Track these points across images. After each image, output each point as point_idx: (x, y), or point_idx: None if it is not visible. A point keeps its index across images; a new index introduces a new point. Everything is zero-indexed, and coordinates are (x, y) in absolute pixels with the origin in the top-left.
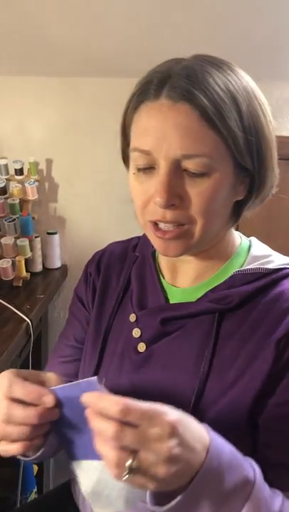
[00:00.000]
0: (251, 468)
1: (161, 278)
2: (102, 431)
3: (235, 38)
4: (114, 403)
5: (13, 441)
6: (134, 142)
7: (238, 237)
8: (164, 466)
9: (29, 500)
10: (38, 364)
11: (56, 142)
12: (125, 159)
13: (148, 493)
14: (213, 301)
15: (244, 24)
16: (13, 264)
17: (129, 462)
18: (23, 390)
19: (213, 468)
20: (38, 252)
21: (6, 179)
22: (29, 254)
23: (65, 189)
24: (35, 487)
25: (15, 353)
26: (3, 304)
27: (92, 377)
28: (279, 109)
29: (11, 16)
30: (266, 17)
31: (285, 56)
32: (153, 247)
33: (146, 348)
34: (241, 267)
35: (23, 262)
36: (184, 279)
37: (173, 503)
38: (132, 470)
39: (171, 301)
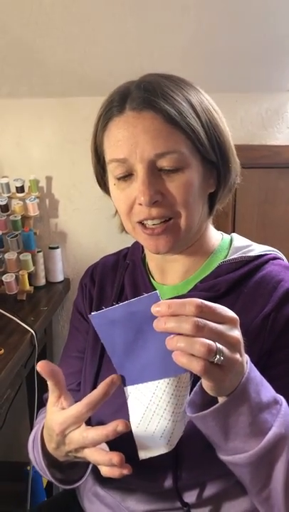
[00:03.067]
0: (278, 395)
1: (152, 279)
2: (181, 327)
3: (223, 54)
4: (188, 303)
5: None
6: (109, 155)
7: (219, 234)
8: (237, 353)
9: None
10: None
11: (55, 160)
12: (100, 183)
13: (187, 407)
14: (204, 291)
15: (231, 40)
16: (17, 278)
17: (215, 346)
18: (77, 412)
19: (252, 378)
20: (41, 267)
21: (8, 197)
22: (32, 269)
23: (65, 205)
24: (46, 499)
25: (20, 363)
26: (8, 317)
27: (154, 292)
28: (268, 119)
29: (8, 41)
30: (252, 33)
31: (272, 69)
32: (142, 251)
33: None
34: (225, 258)
35: (26, 276)
36: (173, 277)
37: (218, 405)
38: (219, 356)
39: (163, 299)
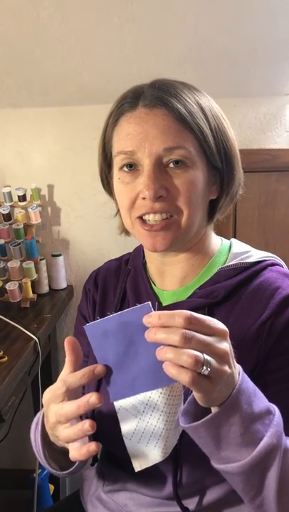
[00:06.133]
0: (271, 405)
1: (153, 285)
2: (170, 339)
3: (220, 59)
4: (177, 314)
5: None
6: (117, 148)
7: (218, 240)
8: (225, 365)
9: None
10: (48, 382)
11: (56, 168)
12: (104, 182)
13: (181, 417)
14: (202, 297)
15: (227, 45)
16: (20, 286)
17: (202, 357)
18: (74, 376)
19: (244, 389)
20: (44, 274)
21: (10, 206)
22: (35, 276)
23: (67, 212)
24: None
25: (24, 369)
26: (12, 324)
27: (146, 302)
28: (267, 123)
29: (8, 53)
30: (250, 38)
31: (269, 73)
32: (143, 257)
33: None
34: (224, 264)
35: (29, 283)
36: (173, 282)
37: (209, 416)
38: (206, 367)
39: (163, 304)
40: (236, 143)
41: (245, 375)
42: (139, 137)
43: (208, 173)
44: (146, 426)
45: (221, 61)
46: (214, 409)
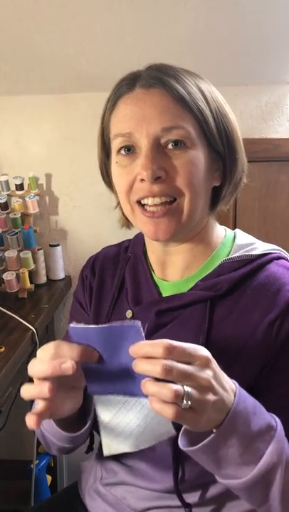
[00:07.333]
0: (273, 418)
1: (153, 274)
2: (152, 371)
3: (221, 46)
4: (157, 345)
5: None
6: (114, 131)
7: (222, 230)
8: (208, 394)
9: None
10: None
11: (54, 157)
12: (102, 171)
13: (181, 437)
14: (204, 290)
15: (229, 33)
16: (18, 276)
17: (182, 391)
18: (70, 348)
19: (240, 411)
20: (42, 264)
21: (7, 195)
22: (32, 266)
23: (65, 202)
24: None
25: (21, 360)
26: (9, 315)
27: (136, 322)
28: (269, 112)
29: (5, 38)
30: (251, 25)
31: (271, 61)
32: (144, 245)
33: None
34: (228, 256)
35: (26, 273)
36: (174, 272)
37: (205, 441)
38: (186, 401)
39: (164, 295)
40: (237, 126)
41: (243, 393)
42: (137, 118)
43: (210, 157)
44: (120, 422)
45: (222, 49)
46: (211, 433)
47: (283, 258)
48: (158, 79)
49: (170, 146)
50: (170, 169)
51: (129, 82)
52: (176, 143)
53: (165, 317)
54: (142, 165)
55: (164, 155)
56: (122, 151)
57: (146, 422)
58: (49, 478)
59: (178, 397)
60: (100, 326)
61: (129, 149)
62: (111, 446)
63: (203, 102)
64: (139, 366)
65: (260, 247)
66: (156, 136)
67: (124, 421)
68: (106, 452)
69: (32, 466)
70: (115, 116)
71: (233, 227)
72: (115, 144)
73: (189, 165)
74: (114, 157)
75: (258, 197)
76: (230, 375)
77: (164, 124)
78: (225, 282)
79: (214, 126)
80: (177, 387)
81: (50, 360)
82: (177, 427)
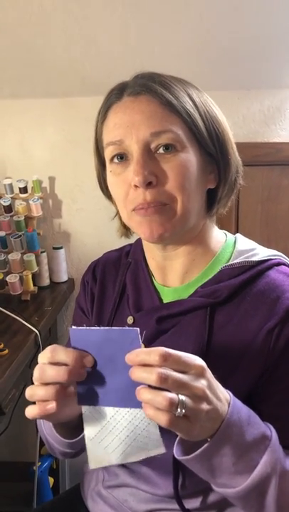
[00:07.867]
0: (268, 428)
1: (154, 280)
2: (148, 379)
3: (224, 50)
4: (153, 352)
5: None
6: (106, 139)
7: (222, 235)
8: (202, 403)
9: None
10: None
11: (58, 160)
12: (101, 184)
13: (176, 446)
14: (204, 296)
15: (232, 38)
16: (21, 279)
17: (176, 399)
18: (66, 352)
19: (234, 420)
20: (45, 267)
21: (11, 198)
22: (36, 269)
23: (69, 205)
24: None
25: (24, 362)
26: (12, 317)
27: (135, 328)
28: (271, 116)
29: (10, 42)
30: (253, 29)
31: (273, 65)
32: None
33: (145, 347)
34: (228, 261)
35: (30, 276)
36: (174, 278)
37: (199, 451)
38: (180, 409)
39: (164, 301)
40: (228, 128)
41: (237, 403)
42: (126, 125)
43: (203, 159)
44: (108, 434)
45: (224, 53)
46: (205, 443)
47: (284, 264)
48: (145, 86)
49: (161, 150)
50: (161, 174)
51: (118, 92)
52: (167, 147)
53: (166, 323)
54: (134, 171)
55: (155, 160)
56: (115, 160)
57: (135, 433)
58: (51, 480)
59: (172, 406)
60: (100, 328)
61: (122, 157)
62: (97, 458)
63: (191, 106)
64: (135, 373)
65: (261, 252)
66: (145, 141)
67: (114, 432)
68: (92, 465)
69: (34, 468)
70: (106, 126)
71: (235, 231)
72: (108, 153)
73: (180, 167)
74: (108, 166)
75: (260, 201)
76: (230, 382)
77: (153, 128)
78: (225, 289)
79: (204, 128)
80: (172, 395)
81: (48, 363)
82: (167, 444)
